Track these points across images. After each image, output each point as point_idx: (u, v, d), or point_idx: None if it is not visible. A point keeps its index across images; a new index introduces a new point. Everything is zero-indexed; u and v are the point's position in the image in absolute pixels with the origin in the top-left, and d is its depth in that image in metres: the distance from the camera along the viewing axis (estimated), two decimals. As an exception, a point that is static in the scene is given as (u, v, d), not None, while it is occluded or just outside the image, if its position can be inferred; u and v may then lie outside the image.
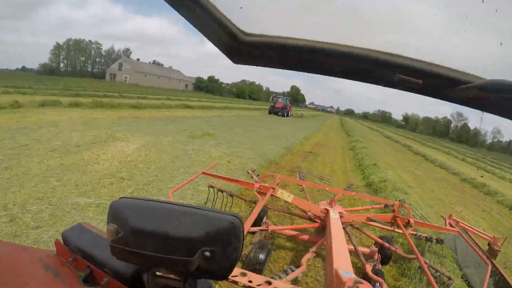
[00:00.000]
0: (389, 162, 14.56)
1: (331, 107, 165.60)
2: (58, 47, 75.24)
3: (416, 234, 3.82)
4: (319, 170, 9.38)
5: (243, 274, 1.98)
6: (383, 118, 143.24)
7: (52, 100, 13.87)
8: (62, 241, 0.89)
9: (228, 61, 1.06)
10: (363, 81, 1.01)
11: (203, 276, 0.73)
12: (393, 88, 0.93)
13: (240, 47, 0.96)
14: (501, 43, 0.71)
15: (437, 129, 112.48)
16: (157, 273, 0.79)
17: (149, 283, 0.77)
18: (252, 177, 4.78)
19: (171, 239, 0.68)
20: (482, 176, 16.91)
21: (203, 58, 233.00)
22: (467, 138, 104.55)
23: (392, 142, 33.18)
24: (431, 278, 2.45)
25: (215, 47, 1.02)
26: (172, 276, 0.79)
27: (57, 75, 59.48)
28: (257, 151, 10.14)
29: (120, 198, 0.74)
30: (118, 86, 45.12)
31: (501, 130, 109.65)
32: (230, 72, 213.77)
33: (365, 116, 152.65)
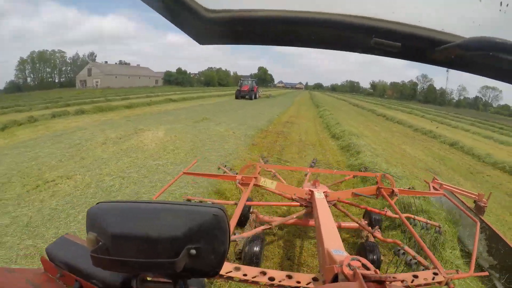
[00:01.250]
0: (351, 123, 17.29)
1: (300, 83, 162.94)
2: (22, 62, 72.14)
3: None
4: (297, 132, 12.46)
5: (237, 269, 1.98)
6: (352, 88, 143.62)
7: (61, 111, 15.81)
8: (47, 257, 0.87)
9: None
10: (338, 49, 0.96)
11: (193, 275, 0.71)
12: (371, 54, 0.91)
13: (204, 25, 0.89)
14: None
15: (405, 93, 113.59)
16: (148, 278, 0.79)
17: None
18: (224, 172, 4.72)
19: (153, 241, 0.65)
20: (437, 127, 19.48)
21: (167, 50, 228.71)
22: (434, 98, 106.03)
23: (358, 108, 35.91)
24: (412, 230, 2.62)
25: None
26: (162, 279, 0.78)
27: (25, 90, 58.07)
28: (247, 125, 12.88)
29: (97, 203, 0.72)
30: (93, 92, 45.03)
31: (466, 87, 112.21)
32: (195, 61, 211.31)
33: (333, 88, 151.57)
